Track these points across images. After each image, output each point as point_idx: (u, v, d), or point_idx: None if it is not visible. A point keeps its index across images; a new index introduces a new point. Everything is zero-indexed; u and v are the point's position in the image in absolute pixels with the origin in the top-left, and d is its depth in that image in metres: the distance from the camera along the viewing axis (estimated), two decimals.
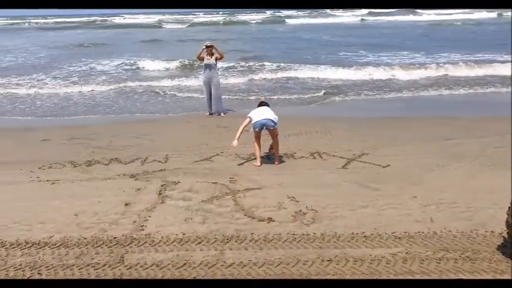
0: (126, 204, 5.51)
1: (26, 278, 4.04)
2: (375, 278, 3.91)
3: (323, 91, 13.80)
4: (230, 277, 3.98)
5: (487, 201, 5.38)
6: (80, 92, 14.79)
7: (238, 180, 6.29)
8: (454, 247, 4.35)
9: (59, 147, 8.28)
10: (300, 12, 62.50)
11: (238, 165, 7.06)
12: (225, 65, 17.87)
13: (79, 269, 4.13)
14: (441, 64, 17.70)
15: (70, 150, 8.03)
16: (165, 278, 3.99)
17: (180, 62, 20.01)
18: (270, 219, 5.01)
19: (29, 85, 15.77)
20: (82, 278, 4.01)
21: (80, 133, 9.27)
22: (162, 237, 4.67)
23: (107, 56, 23.23)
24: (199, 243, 4.55)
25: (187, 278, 3.97)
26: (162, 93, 14.06)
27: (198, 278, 3.97)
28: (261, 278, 3.94)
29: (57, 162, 7.31)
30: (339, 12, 62.97)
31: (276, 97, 13.09)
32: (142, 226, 4.92)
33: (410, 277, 3.90)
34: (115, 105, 12.82)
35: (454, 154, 7.34)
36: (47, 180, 6.46)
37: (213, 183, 6.20)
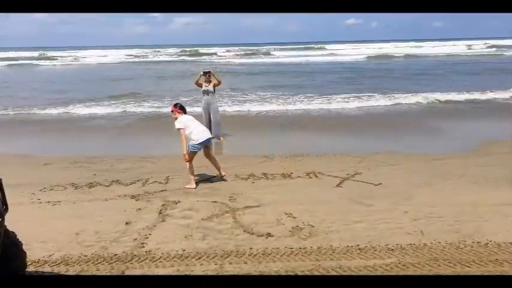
0: (126, 223, 5.54)
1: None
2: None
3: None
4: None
5: (472, 214, 5.60)
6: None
7: (237, 199, 6.39)
8: (443, 257, 4.46)
9: (60, 171, 8.33)
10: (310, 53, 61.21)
11: (238, 184, 7.15)
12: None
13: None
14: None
15: (71, 173, 8.07)
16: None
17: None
18: (269, 235, 5.08)
19: None
20: None
21: (81, 157, 9.32)
22: (163, 253, 4.71)
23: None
24: (199, 258, 4.59)
25: None
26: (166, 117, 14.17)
27: None
28: None
29: (59, 184, 7.35)
30: (344, 51, 62.56)
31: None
32: (143, 243, 4.95)
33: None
34: (117, 128, 12.97)
35: (441, 173, 7.58)
36: (48, 202, 6.49)
37: (213, 202, 6.29)
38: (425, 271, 4.19)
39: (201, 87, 11.02)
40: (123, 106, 16.67)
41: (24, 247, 4.66)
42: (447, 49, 63.17)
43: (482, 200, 6.13)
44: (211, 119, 10.96)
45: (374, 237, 4.95)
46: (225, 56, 59.68)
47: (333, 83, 24.22)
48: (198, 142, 6.96)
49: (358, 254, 4.57)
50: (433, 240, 4.83)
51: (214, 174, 7.58)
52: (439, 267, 4.26)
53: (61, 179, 7.63)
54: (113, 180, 7.53)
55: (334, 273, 4.20)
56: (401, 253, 4.56)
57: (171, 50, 71.80)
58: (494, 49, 61.90)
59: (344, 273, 4.17)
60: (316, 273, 4.19)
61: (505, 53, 51.89)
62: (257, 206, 6.06)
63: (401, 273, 4.17)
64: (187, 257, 4.61)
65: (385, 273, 4.15)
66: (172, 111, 7.23)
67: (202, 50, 68.21)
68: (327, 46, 75.66)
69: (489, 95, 17.61)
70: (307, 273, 4.20)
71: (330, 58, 50.47)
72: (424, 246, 4.70)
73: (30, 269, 4.42)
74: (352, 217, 5.57)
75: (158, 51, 69.50)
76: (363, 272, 4.20)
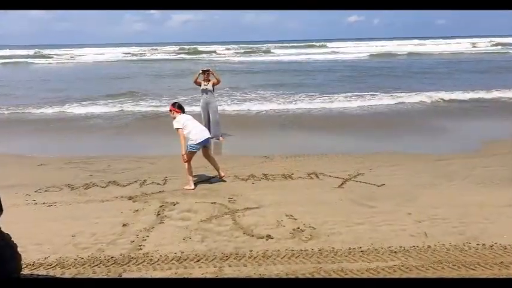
0: (124, 225, 5.54)
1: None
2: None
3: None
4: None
5: (477, 216, 5.59)
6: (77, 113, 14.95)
7: (237, 200, 6.39)
8: (447, 260, 4.46)
9: (56, 171, 8.33)
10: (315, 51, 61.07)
11: (237, 186, 7.15)
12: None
13: None
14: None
15: (67, 174, 8.07)
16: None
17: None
18: (269, 237, 5.08)
19: None
20: None
21: (77, 157, 9.33)
22: (161, 255, 4.70)
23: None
24: (198, 260, 4.59)
25: None
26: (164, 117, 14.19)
27: None
28: None
29: (54, 185, 7.36)
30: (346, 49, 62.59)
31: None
32: (140, 246, 4.95)
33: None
34: (114, 128, 12.97)
35: (445, 173, 7.59)
36: (43, 203, 6.49)
37: (212, 203, 6.29)
38: (429, 274, 4.18)
39: (200, 86, 11.03)
40: (120, 105, 16.75)
41: (19, 249, 4.67)
42: (451, 47, 63.47)
43: (487, 201, 6.12)
44: (210, 118, 10.97)
45: (376, 239, 4.94)
46: (224, 54, 59.75)
47: (335, 82, 24.24)
48: (197, 142, 6.97)
49: (361, 256, 4.57)
50: (437, 243, 4.82)
51: (214, 175, 7.58)
52: (443, 270, 4.25)
53: (57, 180, 7.63)
54: (110, 181, 7.53)
55: (335, 276, 4.19)
56: (405, 255, 4.55)
57: (169, 48, 71.91)
58: (499, 47, 62.21)
59: (346, 276, 4.17)
60: (317, 276, 4.19)
61: (510, 51, 51.99)
62: (257, 208, 6.06)
63: (405, 276, 4.16)
64: (185, 260, 4.60)
65: (388, 276, 4.15)
66: (170, 110, 7.25)
67: (201, 48, 68.53)
68: (328, 44, 75.85)
69: (494, 94, 17.66)
70: (308, 276, 4.20)
71: (331, 56, 50.51)
72: (427, 249, 4.69)
73: (25, 271, 4.42)
74: (354, 219, 5.57)
75: (156, 49, 69.70)
76: (365, 275, 4.19)
